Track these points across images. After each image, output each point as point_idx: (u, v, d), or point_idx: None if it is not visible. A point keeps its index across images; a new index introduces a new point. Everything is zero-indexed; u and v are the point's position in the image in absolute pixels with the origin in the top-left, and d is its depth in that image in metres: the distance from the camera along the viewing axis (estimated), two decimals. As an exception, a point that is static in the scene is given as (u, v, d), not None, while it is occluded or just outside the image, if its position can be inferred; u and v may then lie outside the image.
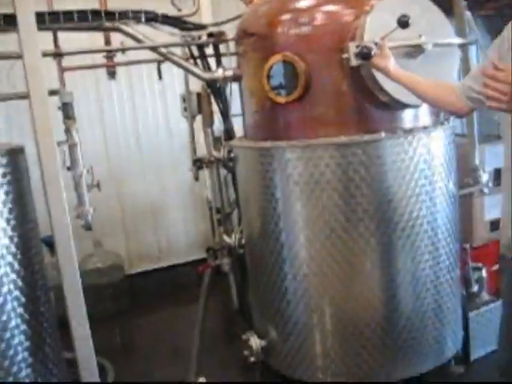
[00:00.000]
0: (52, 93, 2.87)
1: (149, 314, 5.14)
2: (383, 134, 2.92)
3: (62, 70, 3.18)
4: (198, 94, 4.14)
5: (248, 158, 3.32)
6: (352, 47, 2.75)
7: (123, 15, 2.95)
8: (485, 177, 3.69)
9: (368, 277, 3.02)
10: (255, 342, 3.44)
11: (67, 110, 2.88)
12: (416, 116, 3.10)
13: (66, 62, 3.31)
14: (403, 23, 2.61)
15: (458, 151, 3.33)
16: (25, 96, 2.31)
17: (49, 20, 2.69)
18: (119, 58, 4.22)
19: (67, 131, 2.86)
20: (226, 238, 4.00)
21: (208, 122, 4.09)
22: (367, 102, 2.95)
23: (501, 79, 1.82)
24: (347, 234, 2.96)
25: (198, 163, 4.08)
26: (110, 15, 2.92)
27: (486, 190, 3.75)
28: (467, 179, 3.72)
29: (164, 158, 5.66)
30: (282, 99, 3.02)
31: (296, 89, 2.96)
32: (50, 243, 2.70)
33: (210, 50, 3.66)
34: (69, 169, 2.97)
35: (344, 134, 2.95)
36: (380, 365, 3.10)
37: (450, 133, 3.19)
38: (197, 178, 4.30)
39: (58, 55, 3.05)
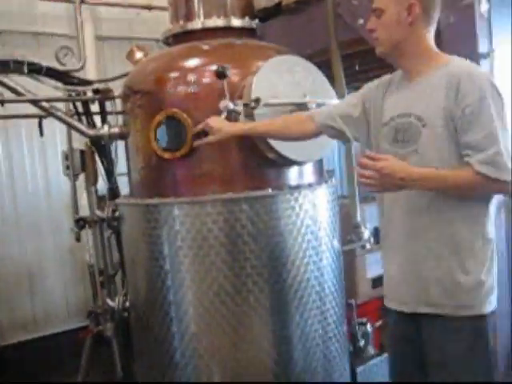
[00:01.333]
0: None
1: (22, 390, 4.74)
2: (270, 191, 2.97)
3: None
4: (82, 152, 4.01)
5: (134, 216, 3.23)
6: (240, 105, 2.81)
7: (4, 64, 2.83)
8: (366, 233, 3.85)
9: (258, 333, 2.98)
10: (140, 409, 3.26)
11: None
12: (301, 174, 3.19)
13: None
14: (220, 74, 2.77)
15: (340, 211, 3.45)
16: None
17: None
18: (-3, 111, 4.02)
19: None
20: (109, 301, 3.81)
21: (91, 181, 3.96)
22: (254, 159, 3.00)
23: (370, 167, 2.07)
24: (236, 291, 2.93)
25: (81, 222, 3.90)
26: (-10, 64, 2.79)
27: (368, 246, 3.90)
28: (350, 236, 3.86)
29: (42, 220, 5.39)
30: (168, 155, 3.00)
31: (183, 145, 2.96)
32: None
33: (95, 107, 3.61)
34: None
35: (232, 190, 2.96)
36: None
37: (332, 190, 3.31)
38: (78, 239, 4.11)
39: None
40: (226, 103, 2.80)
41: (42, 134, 4.01)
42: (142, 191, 3.25)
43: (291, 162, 3.02)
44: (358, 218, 3.85)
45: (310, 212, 3.07)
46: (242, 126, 2.82)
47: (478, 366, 2.25)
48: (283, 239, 2.98)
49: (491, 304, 2.27)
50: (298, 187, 3.10)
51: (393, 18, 2.23)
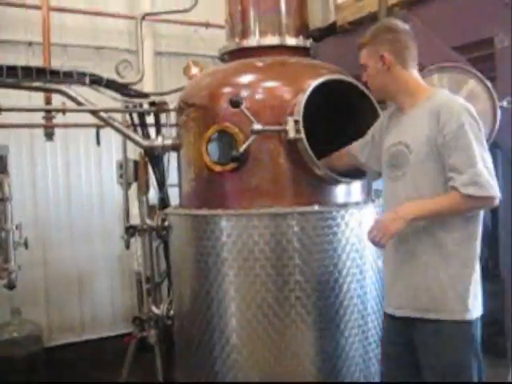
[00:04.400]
0: (-15, 147, 2.82)
1: (66, 391, 4.86)
2: (317, 207, 3.00)
3: (-2, 125, 3.13)
4: (135, 162, 4.14)
5: (183, 226, 3.31)
6: (290, 121, 2.87)
7: (68, 75, 2.97)
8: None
9: (298, 348, 2.99)
10: (179, 416, 3.31)
11: (1, 164, 2.82)
12: (348, 192, 3.22)
13: (2, 117, 3.26)
14: (234, 103, 2.84)
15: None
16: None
17: (-9, 73, 2.67)
18: (58, 118, 4.19)
19: (-2, 186, 2.78)
20: (154, 308, 3.89)
21: (143, 190, 4.07)
22: (303, 175, 3.04)
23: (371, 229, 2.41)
24: (279, 305, 2.96)
25: (131, 230, 4.01)
26: (55, 74, 2.93)
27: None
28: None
29: (94, 226, 5.55)
30: (219, 168, 3.07)
31: (233, 159, 3.01)
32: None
33: (150, 119, 3.73)
34: (-5, 225, 2.86)
35: (279, 204, 3.01)
36: None
37: (379, 210, 3.30)
38: (128, 246, 4.22)
39: (-5, 110, 3.01)
40: (257, 126, 2.88)
41: (98, 143, 4.16)
42: (191, 202, 3.33)
43: (338, 181, 3.04)
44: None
45: (356, 230, 3.09)
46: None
47: (467, 369, 2.40)
48: (328, 256, 3.00)
49: (478, 310, 2.44)
50: (344, 205, 3.12)
51: (373, 70, 2.59)
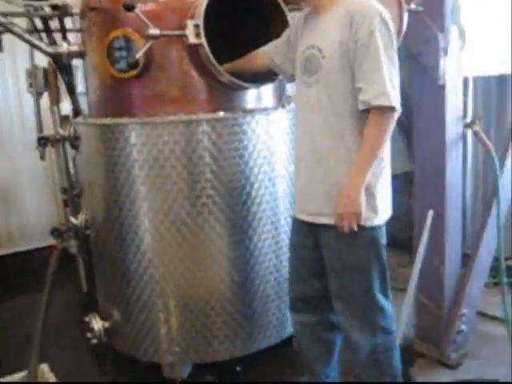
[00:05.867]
0: None
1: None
2: (221, 114, 2.96)
3: None
4: (45, 70, 3.95)
5: (90, 136, 3.24)
6: (190, 25, 2.75)
7: None
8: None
9: (212, 260, 3.06)
10: (97, 323, 3.38)
11: None
12: (258, 97, 3.17)
13: None
14: (128, 6, 2.68)
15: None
16: None
17: None
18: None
19: None
20: (72, 219, 3.87)
21: (55, 99, 3.93)
22: (207, 81, 2.97)
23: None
24: (191, 218, 2.98)
25: (43, 141, 3.89)
26: None
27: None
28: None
29: (15, 138, 5.33)
30: (122, 75, 2.96)
31: (135, 65, 2.90)
32: None
33: (55, 24, 3.52)
34: None
35: (186, 112, 2.95)
36: (220, 342, 3.15)
37: (292, 116, 3.27)
38: (42, 157, 4.09)
39: None
40: (153, 31, 2.74)
41: (0, 49, 3.91)
42: (98, 111, 3.25)
43: (243, 87, 2.97)
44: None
45: (263, 137, 3.07)
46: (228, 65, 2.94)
47: (368, 272, 2.48)
48: (235, 163, 2.99)
49: (384, 215, 2.50)
50: (251, 111, 3.08)
51: None
